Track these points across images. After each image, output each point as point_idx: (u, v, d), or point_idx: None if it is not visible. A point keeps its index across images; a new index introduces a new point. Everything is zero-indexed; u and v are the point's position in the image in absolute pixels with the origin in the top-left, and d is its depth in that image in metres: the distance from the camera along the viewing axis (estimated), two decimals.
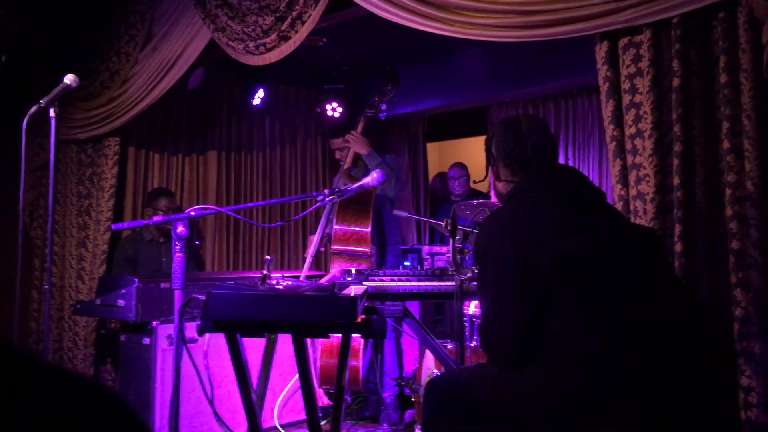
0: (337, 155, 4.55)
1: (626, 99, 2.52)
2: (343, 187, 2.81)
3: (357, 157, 4.38)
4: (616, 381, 1.63)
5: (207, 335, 2.15)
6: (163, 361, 3.50)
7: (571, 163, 5.67)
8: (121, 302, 3.56)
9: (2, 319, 3.86)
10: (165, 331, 3.54)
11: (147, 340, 3.54)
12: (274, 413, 3.94)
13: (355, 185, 2.83)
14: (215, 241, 5.27)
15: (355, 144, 4.27)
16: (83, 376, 0.59)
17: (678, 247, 2.36)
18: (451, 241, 2.55)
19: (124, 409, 0.59)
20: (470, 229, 2.56)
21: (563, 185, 1.93)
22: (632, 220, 2.49)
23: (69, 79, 2.93)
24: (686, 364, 1.67)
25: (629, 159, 2.52)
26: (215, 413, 2.49)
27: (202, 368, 3.06)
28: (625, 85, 2.52)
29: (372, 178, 2.83)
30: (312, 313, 2.01)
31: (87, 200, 4.54)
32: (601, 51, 2.59)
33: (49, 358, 4.18)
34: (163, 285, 3.58)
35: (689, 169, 2.37)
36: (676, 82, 2.38)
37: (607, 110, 2.59)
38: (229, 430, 2.96)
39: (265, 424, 3.87)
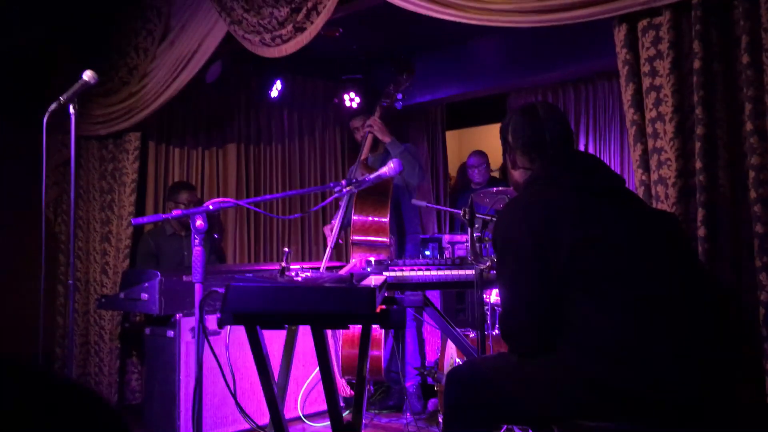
0: (357, 136, 4.56)
1: (646, 82, 2.48)
2: (360, 178, 2.80)
3: (374, 146, 4.37)
4: (634, 369, 1.61)
5: (228, 327, 2.16)
6: (187, 354, 3.54)
7: (591, 149, 5.61)
8: (145, 296, 3.60)
9: (29, 315, 3.92)
10: (188, 323, 3.58)
11: (171, 333, 3.58)
12: (297, 403, 3.97)
13: (372, 175, 2.82)
14: (236, 234, 5.30)
15: (378, 131, 4.26)
16: (70, 382, 0.59)
17: (701, 232, 2.32)
18: (469, 229, 2.53)
19: (110, 415, 0.58)
20: (489, 218, 2.54)
21: (581, 172, 1.91)
22: (654, 205, 2.45)
23: (87, 75, 2.94)
24: (709, 350, 1.64)
25: (650, 143, 2.48)
26: (238, 405, 2.50)
27: (224, 360, 3.09)
28: (645, 68, 2.48)
29: (389, 168, 2.82)
30: (331, 305, 2.01)
31: (109, 195, 4.59)
32: (620, 34, 2.55)
33: (75, 353, 4.25)
34: (185, 278, 3.61)
35: (712, 152, 2.33)
36: (697, 64, 2.33)
37: (627, 94, 2.55)
38: (252, 421, 2.98)
39: (289, 415, 3.91)
